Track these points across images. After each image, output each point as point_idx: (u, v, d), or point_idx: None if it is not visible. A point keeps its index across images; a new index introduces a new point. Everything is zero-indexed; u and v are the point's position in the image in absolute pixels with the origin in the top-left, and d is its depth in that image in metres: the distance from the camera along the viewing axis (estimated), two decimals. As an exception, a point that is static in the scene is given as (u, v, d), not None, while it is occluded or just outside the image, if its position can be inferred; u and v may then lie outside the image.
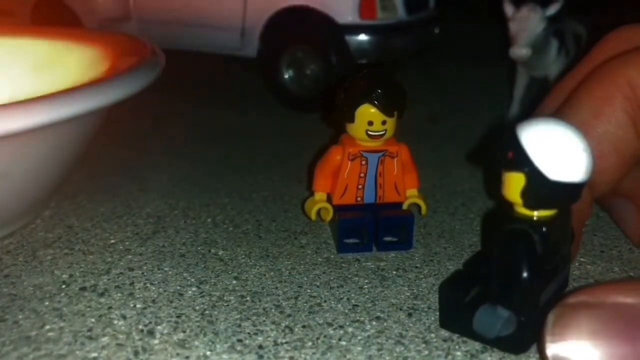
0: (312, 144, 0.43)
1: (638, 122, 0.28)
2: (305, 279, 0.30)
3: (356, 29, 0.66)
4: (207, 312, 0.27)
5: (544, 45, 0.54)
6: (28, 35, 0.49)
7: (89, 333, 0.26)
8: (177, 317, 0.27)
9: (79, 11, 0.82)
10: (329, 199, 0.34)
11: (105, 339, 0.25)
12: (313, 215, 0.34)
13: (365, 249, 0.33)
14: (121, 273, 0.31)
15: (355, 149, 0.32)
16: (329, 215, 0.34)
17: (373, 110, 0.31)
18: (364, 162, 0.33)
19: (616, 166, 0.28)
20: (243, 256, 0.33)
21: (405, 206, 0.34)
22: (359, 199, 0.33)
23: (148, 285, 0.30)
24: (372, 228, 0.33)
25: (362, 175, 0.33)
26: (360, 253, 0.33)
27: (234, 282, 0.30)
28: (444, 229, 0.36)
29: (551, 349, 0.21)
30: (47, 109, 0.29)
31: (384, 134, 0.32)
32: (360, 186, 0.33)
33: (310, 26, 0.68)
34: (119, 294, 0.29)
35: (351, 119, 0.32)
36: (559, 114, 0.29)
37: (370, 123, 0.31)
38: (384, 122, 0.31)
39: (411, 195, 0.34)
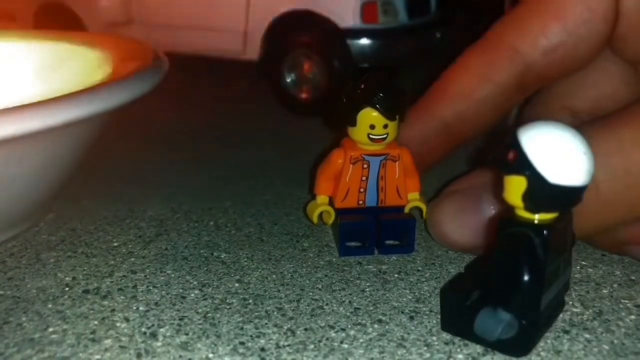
0: (314, 148, 0.43)
1: (524, 82, 0.32)
2: (307, 282, 0.30)
3: (358, 33, 0.66)
4: (209, 314, 0.27)
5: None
6: (31, 39, 0.49)
7: (92, 335, 0.26)
8: (180, 319, 0.27)
9: (82, 15, 0.83)
10: (330, 202, 0.34)
11: (108, 342, 0.26)
12: (315, 219, 0.34)
13: (367, 252, 0.33)
14: (124, 276, 0.31)
15: (357, 153, 0.32)
16: (330, 219, 0.34)
17: (375, 114, 0.31)
18: (365, 166, 0.33)
19: (488, 123, 0.35)
20: (245, 259, 0.33)
21: (406, 210, 0.34)
22: (360, 202, 0.33)
23: (151, 288, 0.30)
24: (373, 231, 0.33)
25: (363, 178, 0.33)
26: (362, 256, 0.33)
27: (237, 285, 0.30)
28: (445, 233, 0.36)
29: (432, 232, 0.32)
30: (51, 112, 0.29)
31: (385, 138, 0.32)
32: (362, 189, 0.33)
33: (312, 30, 0.68)
34: (121, 297, 0.29)
35: (353, 123, 0.32)
36: (445, 80, 0.34)
37: (372, 127, 0.31)
38: (385, 126, 0.31)
39: (413, 199, 0.34)
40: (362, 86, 0.32)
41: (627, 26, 0.29)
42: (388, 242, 0.33)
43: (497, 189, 0.28)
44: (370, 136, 0.32)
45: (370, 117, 0.31)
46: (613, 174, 0.25)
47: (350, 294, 0.29)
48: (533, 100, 0.34)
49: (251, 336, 0.26)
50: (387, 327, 0.27)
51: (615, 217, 0.27)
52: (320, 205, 0.34)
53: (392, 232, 0.33)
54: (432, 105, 0.34)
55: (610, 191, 0.25)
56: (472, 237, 0.30)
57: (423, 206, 0.34)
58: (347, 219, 0.33)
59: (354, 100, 0.32)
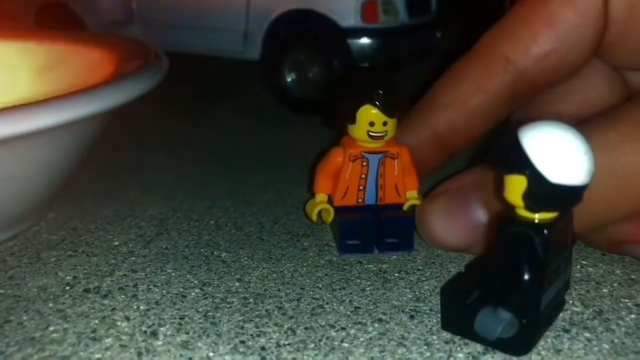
0: (314, 147, 0.43)
1: (516, 91, 0.32)
2: (308, 281, 0.30)
3: (358, 33, 0.66)
4: (210, 313, 0.28)
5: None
6: (32, 38, 0.49)
7: (92, 334, 0.26)
8: (181, 318, 0.27)
9: (83, 14, 0.83)
10: (329, 201, 0.34)
11: (108, 340, 0.26)
12: (314, 217, 0.34)
13: (367, 251, 0.33)
14: (125, 275, 0.31)
15: (356, 150, 0.33)
16: (330, 217, 0.34)
17: (374, 111, 0.31)
18: (364, 163, 0.33)
19: (479, 134, 0.35)
20: (246, 258, 0.33)
21: (405, 207, 0.34)
22: (359, 200, 0.33)
23: (151, 287, 0.30)
24: (373, 229, 0.33)
25: (363, 176, 0.33)
26: (362, 254, 0.33)
27: (237, 284, 0.30)
28: (445, 232, 0.36)
29: (421, 232, 0.32)
30: (51, 112, 0.29)
31: (384, 135, 0.32)
32: (361, 187, 0.33)
33: (312, 29, 0.68)
34: (122, 296, 0.29)
35: (352, 120, 0.32)
36: (436, 89, 0.34)
37: (372, 124, 0.31)
38: (385, 123, 0.31)
39: (411, 197, 0.34)
40: (362, 84, 0.32)
41: (615, 32, 0.30)
42: (388, 240, 0.33)
43: (487, 189, 0.29)
44: (370, 133, 0.32)
45: (369, 114, 0.31)
46: (599, 174, 0.25)
47: (350, 293, 0.29)
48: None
49: (252, 335, 0.26)
50: (387, 326, 0.27)
51: (604, 217, 0.27)
52: (320, 203, 0.34)
53: (392, 230, 0.33)
54: (424, 114, 0.35)
55: (598, 191, 0.25)
56: (461, 237, 0.30)
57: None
58: (346, 217, 0.33)
59: (353, 97, 0.32)
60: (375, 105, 0.31)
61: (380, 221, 0.33)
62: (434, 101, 0.34)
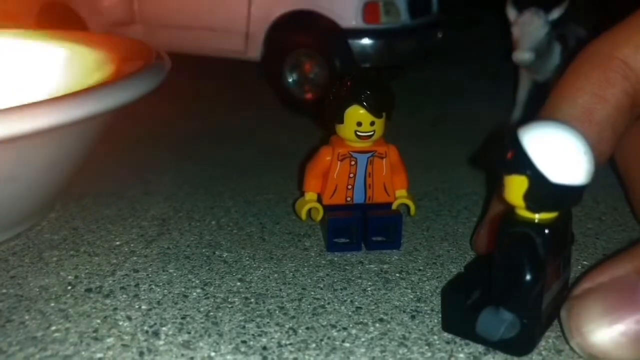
0: (315, 147, 0.43)
1: (636, 100, 0.28)
2: (309, 281, 0.30)
3: (360, 33, 0.66)
4: (211, 313, 0.28)
5: (547, 50, 0.54)
6: (33, 39, 0.49)
7: (94, 334, 0.26)
8: (182, 318, 0.27)
9: (85, 15, 0.83)
10: (319, 199, 0.34)
11: (110, 340, 0.26)
12: (303, 215, 0.34)
13: (354, 249, 0.33)
14: (126, 275, 0.31)
15: (345, 150, 0.33)
16: (319, 215, 0.34)
17: (362, 111, 0.31)
18: (353, 163, 0.33)
19: (611, 149, 0.28)
20: (247, 258, 0.33)
21: (394, 206, 0.34)
22: (348, 199, 0.34)
23: (153, 286, 0.30)
24: (361, 228, 0.33)
25: (351, 175, 0.33)
26: (350, 252, 0.33)
27: (238, 284, 0.30)
28: (447, 232, 0.36)
29: (573, 342, 0.24)
30: (53, 112, 0.29)
31: (372, 135, 0.32)
32: (349, 186, 0.33)
33: (314, 30, 0.68)
34: (124, 296, 0.29)
35: (340, 120, 0.32)
36: (555, 103, 0.29)
37: (359, 124, 0.32)
38: (372, 123, 0.32)
39: (400, 196, 0.34)
40: (349, 84, 0.32)
41: None
42: (375, 238, 0.33)
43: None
44: (358, 133, 0.32)
45: (357, 114, 0.31)
46: None
47: (351, 293, 0.29)
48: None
49: (253, 335, 0.26)
50: (388, 326, 0.27)
51: None
52: (309, 202, 0.34)
53: (379, 229, 0.33)
54: None
55: None
56: (632, 345, 0.23)
57: (410, 203, 0.34)
58: (335, 216, 0.33)
59: (341, 97, 0.32)
60: (363, 106, 0.31)
61: (368, 219, 0.33)
62: (556, 115, 0.29)
